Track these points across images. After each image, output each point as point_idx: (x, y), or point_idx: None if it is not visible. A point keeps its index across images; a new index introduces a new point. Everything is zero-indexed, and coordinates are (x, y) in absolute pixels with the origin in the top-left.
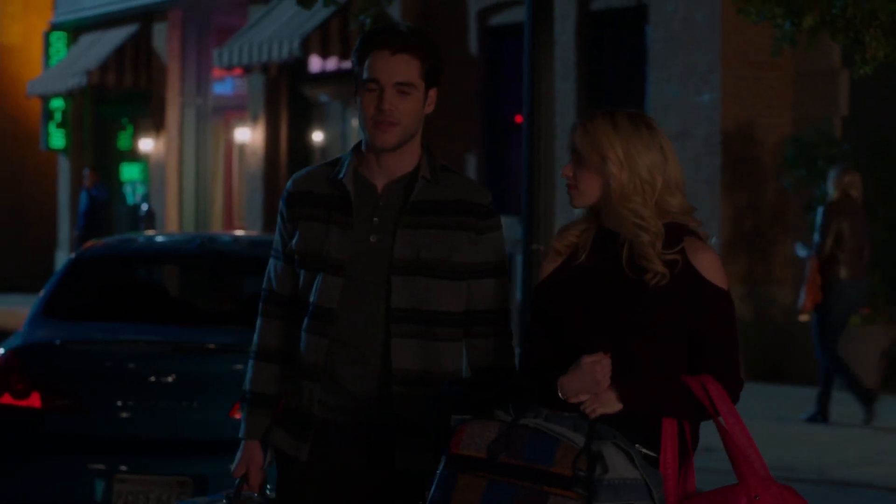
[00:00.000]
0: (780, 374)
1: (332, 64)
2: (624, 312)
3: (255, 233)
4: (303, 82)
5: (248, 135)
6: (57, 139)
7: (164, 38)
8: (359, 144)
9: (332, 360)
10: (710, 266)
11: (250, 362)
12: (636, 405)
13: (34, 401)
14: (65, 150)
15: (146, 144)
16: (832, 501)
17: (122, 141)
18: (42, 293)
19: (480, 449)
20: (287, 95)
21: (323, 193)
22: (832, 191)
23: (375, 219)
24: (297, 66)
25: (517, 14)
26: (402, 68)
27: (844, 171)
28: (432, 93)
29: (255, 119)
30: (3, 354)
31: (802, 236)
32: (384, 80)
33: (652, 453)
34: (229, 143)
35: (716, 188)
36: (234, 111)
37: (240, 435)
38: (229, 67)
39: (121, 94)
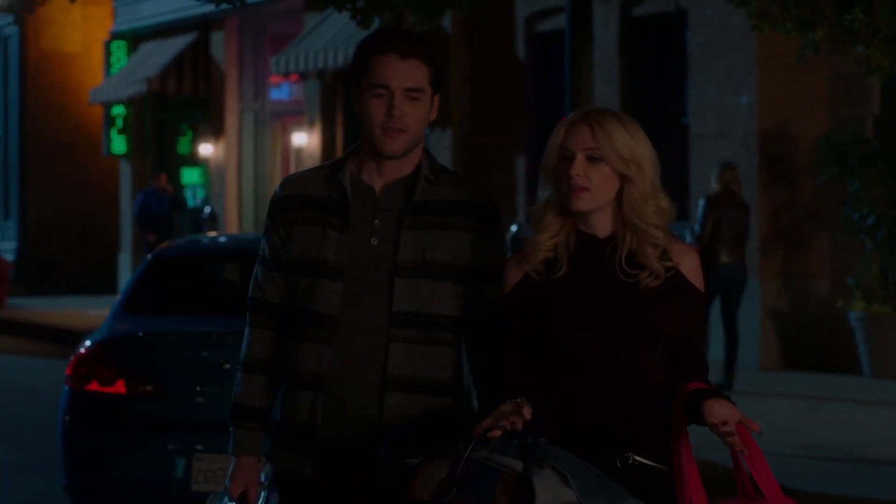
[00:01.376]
0: (817, 364)
1: None
2: (629, 320)
3: None
4: None
5: (304, 139)
6: (118, 145)
7: (221, 46)
8: (357, 148)
9: (333, 368)
10: (693, 268)
11: (239, 374)
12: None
13: (119, 387)
14: (126, 156)
15: (205, 149)
16: (858, 478)
17: (182, 146)
18: (122, 290)
19: (432, 493)
20: (342, 101)
21: (318, 196)
22: (714, 184)
23: (376, 221)
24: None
25: (563, 20)
26: (412, 73)
27: (725, 167)
28: (436, 99)
29: (311, 123)
30: (90, 346)
31: (835, 231)
32: (394, 85)
33: (664, 467)
34: (286, 146)
35: (753, 186)
36: (291, 116)
37: (230, 450)
38: (286, 74)
39: (180, 101)
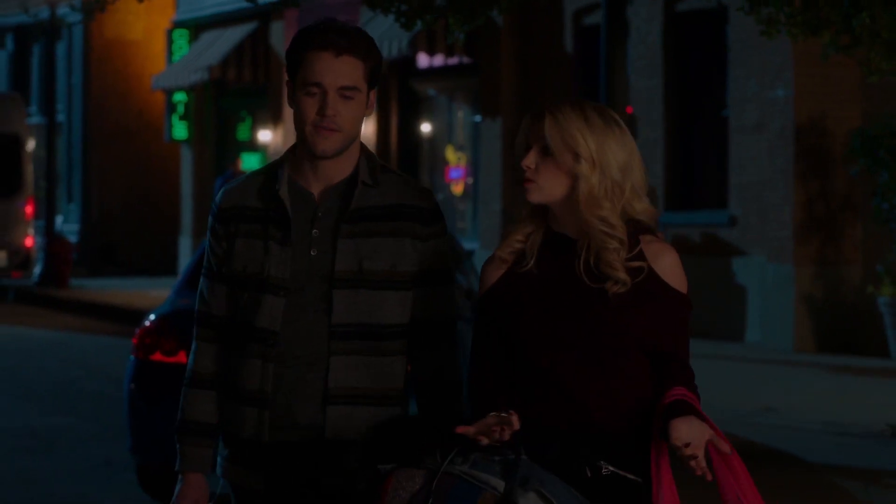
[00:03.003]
0: (849, 348)
1: (438, 61)
2: (589, 325)
3: None
4: (412, 77)
5: None
6: (180, 131)
7: (281, 36)
8: (293, 149)
9: (277, 384)
10: (671, 269)
11: (184, 390)
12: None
13: (181, 357)
14: (187, 141)
15: (264, 135)
16: (875, 451)
17: (242, 132)
18: (185, 269)
19: (405, 502)
20: (397, 90)
21: (258, 207)
22: None
23: (315, 231)
24: (406, 63)
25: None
26: (346, 71)
27: None
28: (373, 94)
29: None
30: (154, 319)
31: (868, 220)
32: (328, 83)
33: (637, 478)
34: None
35: (789, 176)
36: None
37: (177, 468)
38: None
39: (240, 88)
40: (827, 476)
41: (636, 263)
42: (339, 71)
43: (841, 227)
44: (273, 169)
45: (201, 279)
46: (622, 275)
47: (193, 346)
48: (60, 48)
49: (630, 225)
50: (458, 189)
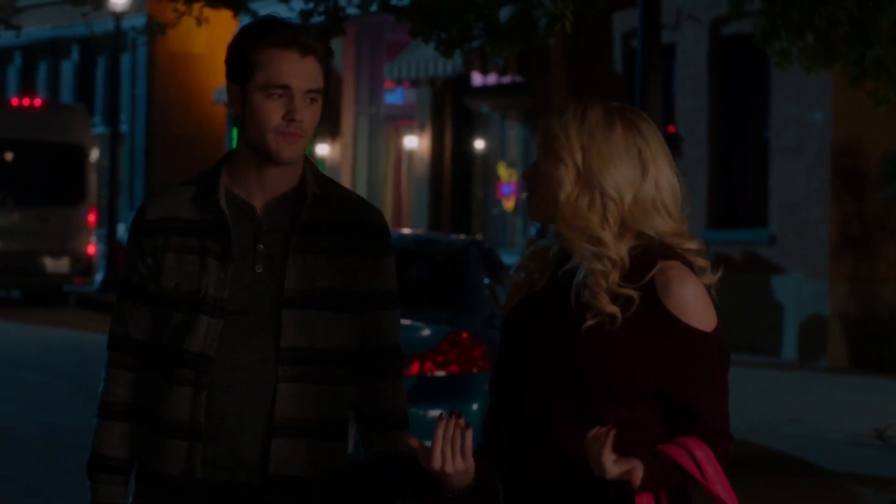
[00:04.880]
0: (882, 364)
1: (492, 79)
2: (575, 367)
3: (420, 231)
4: (466, 95)
5: (415, 142)
6: None
7: (339, 52)
8: (228, 157)
9: (211, 415)
10: (685, 301)
11: (96, 421)
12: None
13: None
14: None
15: (323, 149)
16: (892, 459)
17: None
18: None
19: None
20: (451, 106)
21: (191, 219)
22: None
23: (260, 245)
24: (460, 81)
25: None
26: (313, 73)
27: None
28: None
29: (422, 128)
30: None
31: None
32: (296, 85)
33: None
34: (398, 149)
35: (825, 197)
36: (404, 120)
37: None
38: (398, 81)
39: None
40: (840, 482)
41: (627, 291)
42: (306, 72)
43: (875, 246)
44: (205, 179)
45: (116, 298)
46: (607, 306)
47: (104, 374)
48: (125, 60)
49: (649, 250)
50: (509, 204)
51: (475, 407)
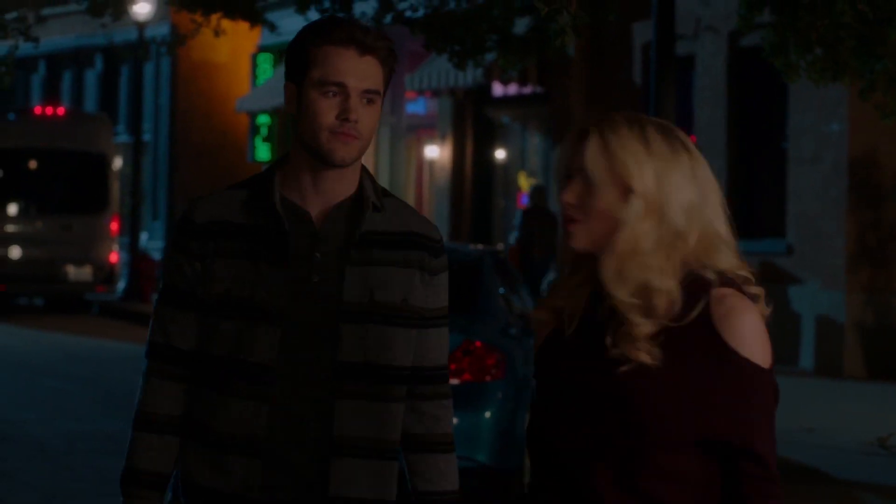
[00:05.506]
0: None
1: (512, 89)
2: (619, 415)
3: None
4: (486, 105)
5: (436, 152)
6: (263, 152)
7: None
8: (282, 161)
9: (271, 430)
10: (745, 334)
11: (133, 434)
12: None
13: None
14: (270, 162)
15: None
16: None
17: None
18: None
19: None
20: (472, 117)
21: (243, 223)
22: (528, 201)
23: (317, 255)
24: (480, 91)
25: (678, 47)
26: (371, 73)
27: (536, 188)
28: (383, 103)
29: (443, 138)
30: None
31: None
32: (352, 84)
33: None
34: (420, 158)
35: (842, 207)
36: (425, 129)
37: None
38: (420, 91)
39: None
40: (850, 491)
41: (678, 326)
42: (364, 71)
43: (892, 256)
44: (257, 183)
45: (157, 305)
46: (646, 354)
47: (143, 383)
48: (148, 69)
49: (699, 278)
50: None
51: (487, 415)
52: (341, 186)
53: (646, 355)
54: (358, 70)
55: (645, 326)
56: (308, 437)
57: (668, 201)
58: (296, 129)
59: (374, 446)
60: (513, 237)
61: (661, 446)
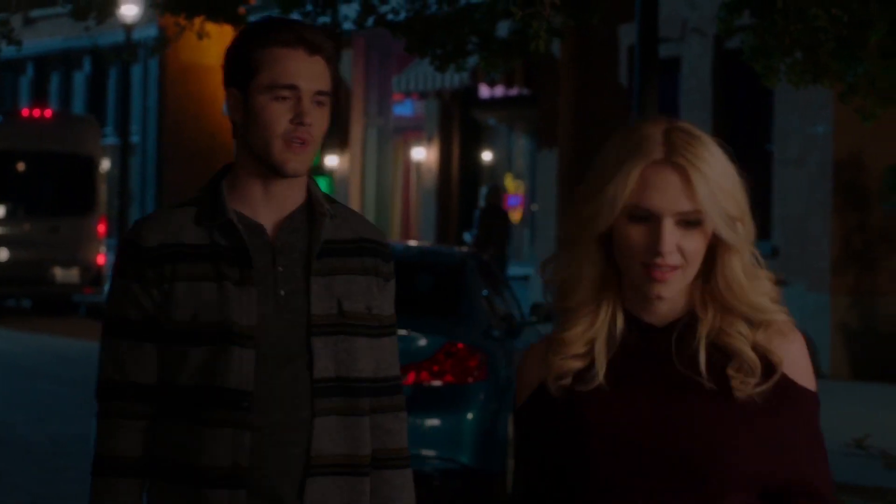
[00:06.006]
0: (884, 376)
1: (499, 91)
2: (690, 458)
3: (427, 243)
4: (473, 107)
5: (423, 154)
6: None
7: (349, 65)
8: (225, 172)
9: (255, 458)
10: (795, 358)
11: (95, 480)
12: None
13: None
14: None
15: (331, 161)
16: (885, 470)
17: None
18: None
19: None
20: (459, 119)
21: (199, 243)
22: (483, 202)
23: (279, 267)
24: (467, 93)
25: (664, 50)
26: (321, 73)
27: (491, 188)
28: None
29: (430, 139)
30: None
31: None
32: (304, 86)
33: None
34: (407, 160)
35: (828, 209)
36: (412, 131)
37: None
38: (407, 93)
39: None
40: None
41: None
42: (315, 72)
43: (877, 259)
44: (203, 198)
45: (107, 339)
46: (751, 388)
47: (99, 425)
48: (136, 71)
49: None
50: (516, 216)
51: (470, 417)
52: (292, 195)
53: (754, 390)
54: (309, 71)
55: (755, 359)
56: (289, 461)
57: (749, 219)
58: (241, 137)
59: (348, 463)
60: (469, 236)
61: (729, 492)
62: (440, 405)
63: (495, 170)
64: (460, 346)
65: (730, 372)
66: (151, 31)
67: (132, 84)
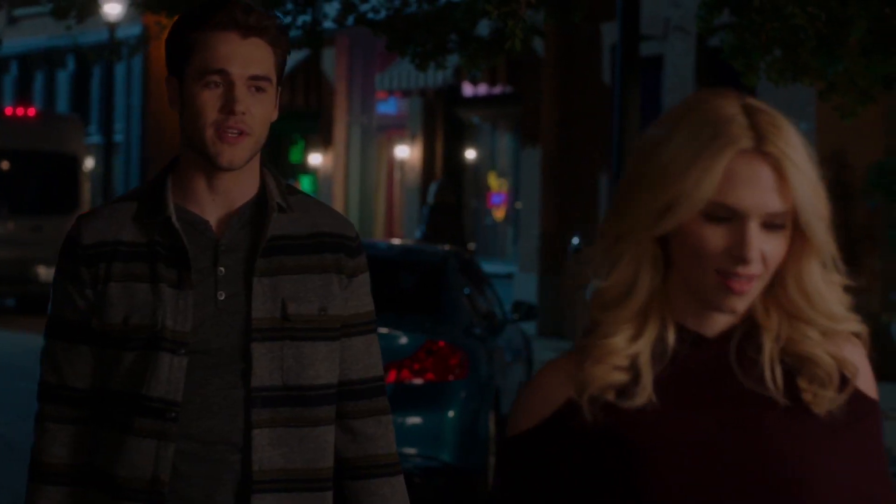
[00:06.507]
0: None
1: (482, 90)
2: (800, 474)
3: (410, 242)
4: (456, 105)
5: (407, 152)
6: None
7: (332, 63)
8: (172, 165)
9: (178, 472)
10: (865, 368)
11: (30, 486)
12: None
13: None
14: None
15: (315, 159)
16: None
17: (294, 155)
18: None
19: None
20: (442, 117)
21: (137, 241)
22: (432, 198)
23: (220, 268)
24: (451, 91)
25: (647, 48)
26: (257, 56)
27: (441, 186)
28: (278, 93)
29: (413, 138)
30: None
31: (887, 250)
32: (235, 71)
33: None
34: (390, 159)
35: None
36: (396, 130)
37: None
38: (390, 91)
39: (293, 113)
40: None
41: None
42: (249, 56)
43: (860, 256)
44: (147, 193)
45: (47, 341)
46: (829, 401)
47: (37, 429)
48: (120, 70)
49: None
50: (500, 214)
51: (451, 414)
52: (240, 189)
53: (831, 404)
54: (241, 54)
55: (834, 366)
56: (223, 477)
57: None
58: (182, 128)
59: (300, 477)
60: (419, 232)
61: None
62: (421, 403)
63: (479, 168)
64: (441, 344)
65: (801, 384)
66: (136, 30)
67: (116, 83)
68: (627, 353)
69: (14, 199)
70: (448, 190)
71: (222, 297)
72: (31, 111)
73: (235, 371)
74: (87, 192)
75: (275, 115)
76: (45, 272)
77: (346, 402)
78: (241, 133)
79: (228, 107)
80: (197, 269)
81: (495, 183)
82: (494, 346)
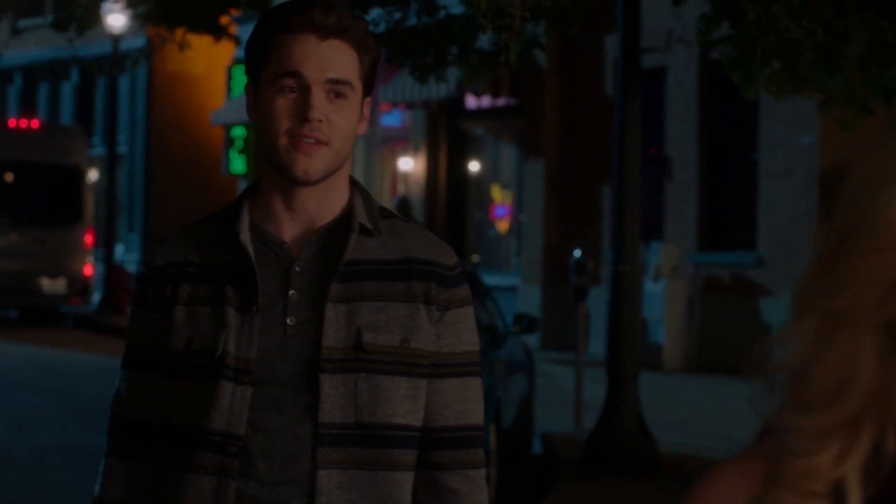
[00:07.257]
0: None
1: (485, 102)
2: None
3: None
4: (460, 117)
5: (410, 164)
6: (238, 164)
7: None
8: (255, 185)
9: None
10: None
11: None
12: None
13: None
14: (245, 175)
15: None
16: None
17: None
18: None
19: None
20: (446, 129)
21: (206, 263)
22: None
23: (292, 292)
24: (454, 103)
25: (649, 60)
26: (338, 59)
27: (401, 200)
28: (367, 105)
29: (416, 150)
30: None
31: None
32: (311, 74)
33: None
34: (394, 171)
35: (813, 220)
36: (399, 142)
37: None
38: (394, 103)
39: None
40: None
41: None
42: (327, 58)
43: None
44: (224, 213)
45: (121, 370)
46: None
47: (102, 466)
48: (124, 82)
49: None
50: (503, 226)
51: None
52: (321, 207)
53: None
54: (318, 56)
55: None
56: None
57: None
58: (260, 140)
59: None
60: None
61: None
62: None
63: (482, 180)
64: None
65: None
66: (139, 42)
67: (119, 94)
68: (829, 478)
69: (17, 210)
70: (406, 205)
71: (292, 323)
72: (35, 123)
73: (302, 404)
74: (90, 203)
75: (363, 128)
76: (47, 284)
77: (430, 452)
78: (317, 142)
79: (303, 113)
80: (266, 292)
81: (498, 195)
82: (495, 359)
